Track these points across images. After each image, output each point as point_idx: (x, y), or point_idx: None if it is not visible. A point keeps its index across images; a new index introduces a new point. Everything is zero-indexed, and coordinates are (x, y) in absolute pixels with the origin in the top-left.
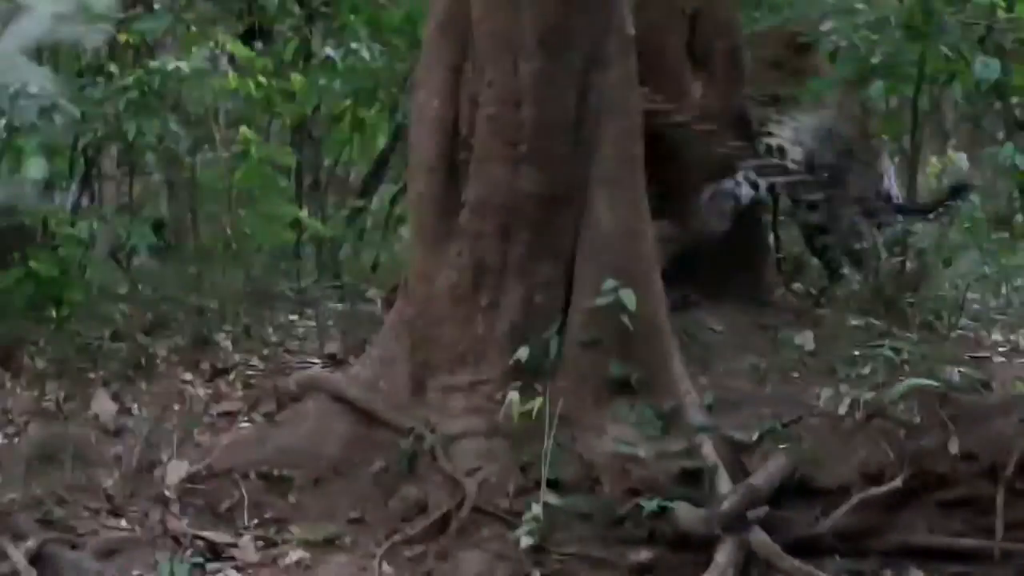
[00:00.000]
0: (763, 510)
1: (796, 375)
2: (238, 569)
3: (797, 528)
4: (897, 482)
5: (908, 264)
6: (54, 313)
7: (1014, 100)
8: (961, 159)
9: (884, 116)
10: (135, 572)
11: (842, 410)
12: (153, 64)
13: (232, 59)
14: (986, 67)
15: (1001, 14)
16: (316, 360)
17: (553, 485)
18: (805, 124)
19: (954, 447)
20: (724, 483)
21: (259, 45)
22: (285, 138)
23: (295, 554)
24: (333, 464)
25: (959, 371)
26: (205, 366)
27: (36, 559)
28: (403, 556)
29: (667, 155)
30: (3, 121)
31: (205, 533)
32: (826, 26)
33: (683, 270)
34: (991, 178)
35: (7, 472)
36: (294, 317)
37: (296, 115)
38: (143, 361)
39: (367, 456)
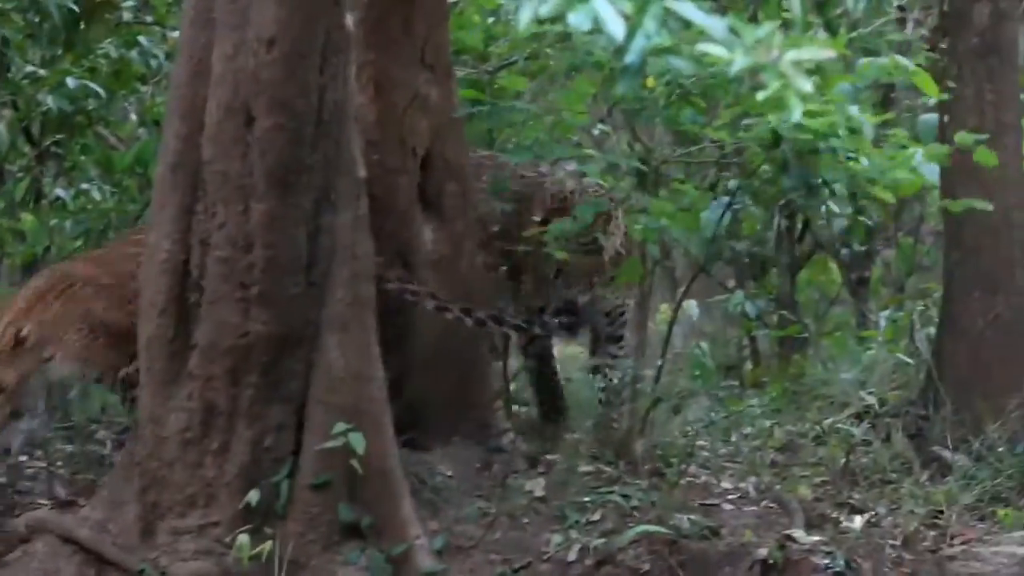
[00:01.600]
0: None
1: (526, 521)
2: None
3: None
4: None
5: (636, 410)
6: None
7: (741, 247)
8: (691, 306)
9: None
10: None
11: (572, 556)
12: None
13: None
14: (713, 219)
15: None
16: (45, 501)
17: None
18: None
19: None
20: None
21: None
22: (16, 278)
23: None
24: None
25: (689, 518)
26: None
27: None
28: None
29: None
30: None
31: None
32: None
33: (411, 412)
34: (721, 326)
35: None
36: (23, 458)
37: (26, 255)
38: None
39: None
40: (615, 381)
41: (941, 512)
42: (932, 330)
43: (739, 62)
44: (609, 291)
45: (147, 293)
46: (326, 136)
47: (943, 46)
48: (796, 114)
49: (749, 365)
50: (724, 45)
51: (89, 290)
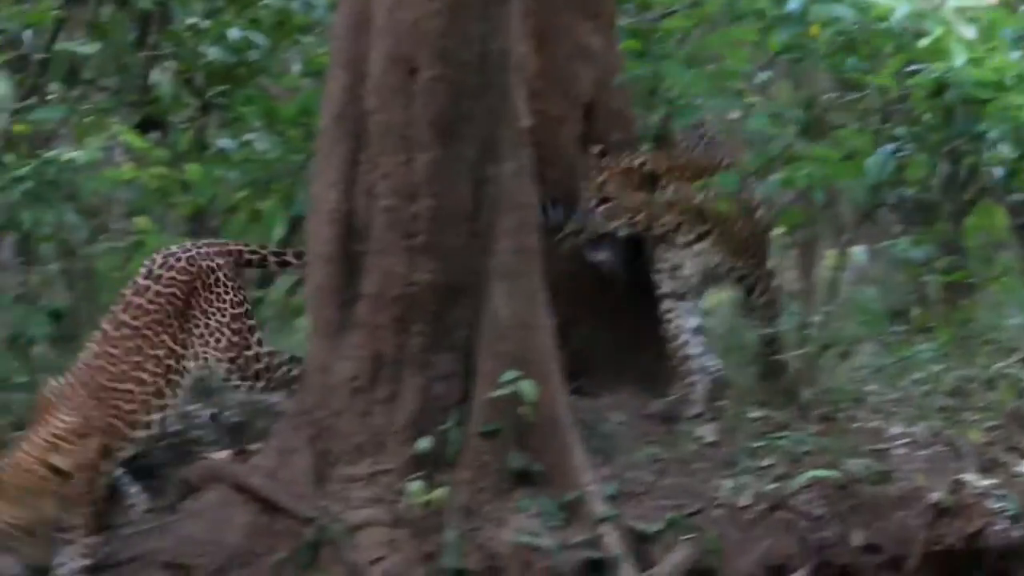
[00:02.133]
0: None
1: (697, 466)
2: None
3: None
4: (800, 573)
5: (807, 356)
6: None
7: (910, 192)
8: (858, 252)
9: (781, 209)
10: None
11: (744, 501)
12: (48, 154)
13: (128, 149)
14: (878, 166)
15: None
16: (218, 450)
17: (457, 575)
18: None
19: (857, 539)
20: (628, 574)
21: (154, 135)
22: (181, 228)
23: None
24: (235, 554)
25: (860, 463)
26: None
27: None
28: None
29: None
30: None
31: None
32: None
33: (579, 360)
34: (888, 271)
35: None
36: (195, 407)
37: (192, 205)
38: None
39: (269, 546)
40: (782, 328)
41: None
42: None
43: (902, 9)
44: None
45: (313, 243)
46: (489, 86)
47: None
48: (959, 61)
49: (917, 310)
50: None
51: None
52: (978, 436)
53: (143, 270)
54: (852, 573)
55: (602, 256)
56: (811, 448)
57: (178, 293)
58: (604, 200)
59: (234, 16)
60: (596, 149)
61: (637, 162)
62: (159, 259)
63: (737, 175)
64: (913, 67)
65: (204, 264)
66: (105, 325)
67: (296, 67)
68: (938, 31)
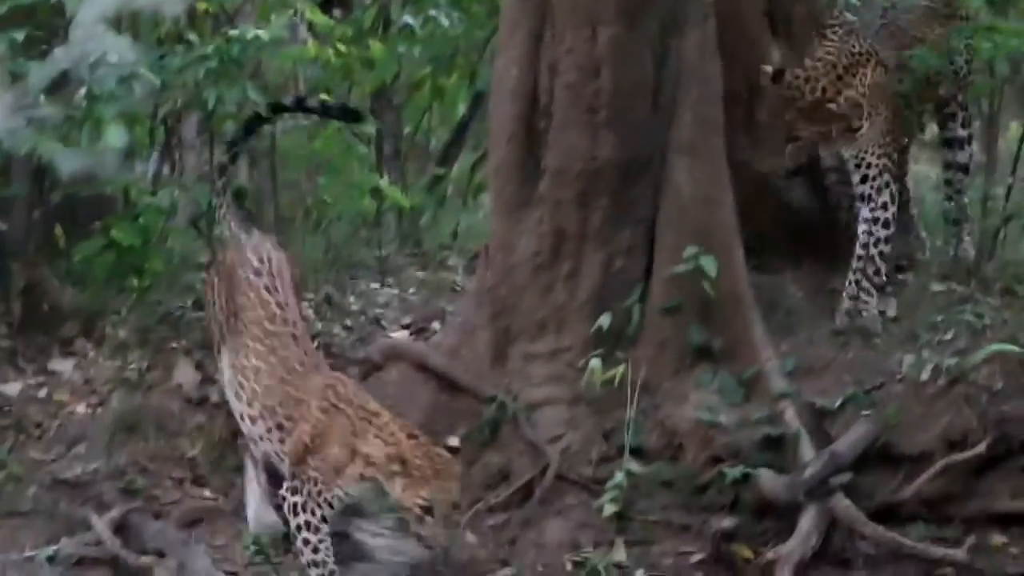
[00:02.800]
0: (846, 476)
1: (878, 341)
2: None
3: (880, 495)
4: (980, 448)
5: (987, 229)
6: (135, 283)
7: None
8: None
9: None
10: (219, 541)
11: (924, 376)
12: (232, 32)
13: (311, 27)
14: None
15: None
16: (398, 328)
17: (636, 453)
18: None
19: None
20: (807, 450)
21: (338, 13)
22: (365, 106)
23: None
24: None
25: None
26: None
27: (119, 529)
28: (486, 524)
29: None
30: (83, 90)
31: None
32: None
33: (760, 235)
34: None
35: (90, 442)
36: (375, 285)
37: (375, 83)
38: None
39: (450, 424)
40: (966, 200)
41: None
42: None
43: None
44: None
45: (496, 120)
46: None
47: None
48: None
49: None
50: None
51: None
52: None
53: None
54: None
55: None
56: (992, 322)
57: None
58: (793, 139)
59: None
60: (769, 71)
61: (810, 90)
62: None
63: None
64: None
65: None
66: None
67: None
68: None
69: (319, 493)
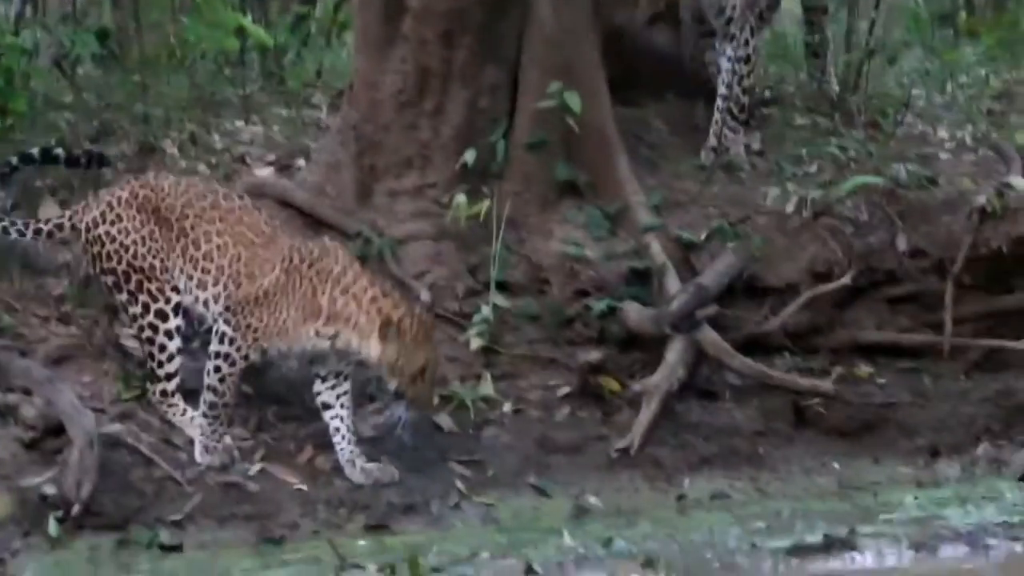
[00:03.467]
0: (712, 309)
1: (743, 175)
2: None
3: (746, 326)
4: (845, 279)
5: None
6: None
7: None
8: None
9: None
10: (85, 378)
11: (790, 208)
12: None
13: None
14: None
15: None
16: (263, 166)
17: (502, 287)
18: None
19: (902, 243)
20: (673, 282)
21: None
22: None
23: None
24: None
25: (906, 168)
26: (151, 174)
27: None
28: None
29: None
30: None
31: None
32: None
33: (625, 70)
34: None
35: None
36: (239, 123)
37: None
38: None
39: None
40: (828, 35)
41: None
42: None
43: None
44: None
45: None
46: None
47: None
48: None
49: (963, 15)
50: None
51: None
52: None
53: None
54: (897, 278)
55: None
56: (857, 154)
57: None
58: None
59: None
60: None
61: None
62: None
63: None
64: None
65: None
66: None
67: None
68: None
69: (255, 340)
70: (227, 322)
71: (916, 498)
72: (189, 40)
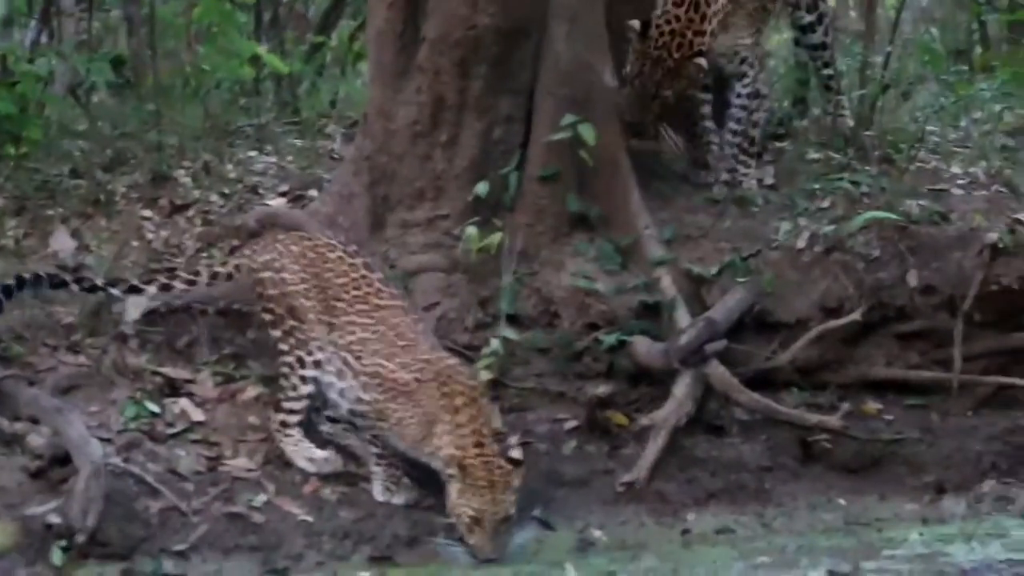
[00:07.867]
0: (722, 343)
1: (755, 209)
2: (195, 404)
3: (755, 361)
4: (856, 315)
5: (865, 97)
6: (12, 150)
7: None
8: None
9: None
10: (93, 408)
11: (801, 244)
12: None
13: None
14: None
15: None
16: (276, 196)
17: (512, 320)
18: None
19: (913, 279)
20: (683, 317)
21: None
22: None
23: (253, 390)
24: None
25: (918, 204)
26: (164, 203)
27: None
28: None
29: None
30: None
31: (163, 369)
32: None
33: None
34: (951, 10)
35: None
36: (253, 153)
37: None
38: (102, 198)
39: None
40: (843, 69)
41: None
42: None
43: None
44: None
45: None
46: None
47: None
48: None
49: (979, 49)
50: None
51: None
52: None
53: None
54: (907, 314)
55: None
56: (869, 189)
57: None
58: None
59: None
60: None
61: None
62: None
63: None
64: None
65: None
66: None
67: None
68: None
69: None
70: (361, 415)
71: (921, 535)
72: (204, 69)
